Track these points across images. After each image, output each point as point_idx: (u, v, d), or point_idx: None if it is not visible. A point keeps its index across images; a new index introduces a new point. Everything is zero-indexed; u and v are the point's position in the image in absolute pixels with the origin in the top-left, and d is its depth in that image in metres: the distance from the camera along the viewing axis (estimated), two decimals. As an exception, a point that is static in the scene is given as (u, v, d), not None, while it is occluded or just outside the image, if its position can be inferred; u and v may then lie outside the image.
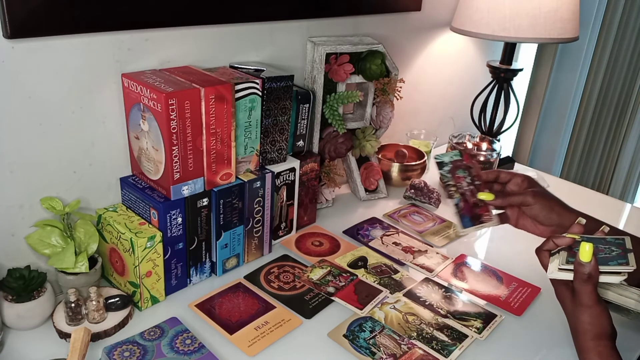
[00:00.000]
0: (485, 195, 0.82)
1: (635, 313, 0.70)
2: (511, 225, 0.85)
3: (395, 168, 1.28)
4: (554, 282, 0.71)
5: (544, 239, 0.75)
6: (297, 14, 1.06)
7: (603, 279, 0.66)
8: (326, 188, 1.18)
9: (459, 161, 0.87)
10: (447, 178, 0.86)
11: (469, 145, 1.32)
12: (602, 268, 0.65)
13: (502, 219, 0.84)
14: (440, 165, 0.88)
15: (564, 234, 0.72)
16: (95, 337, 0.77)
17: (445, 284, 0.95)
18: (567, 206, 0.81)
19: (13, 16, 0.70)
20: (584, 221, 0.74)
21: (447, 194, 0.86)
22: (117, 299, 0.81)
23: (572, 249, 0.70)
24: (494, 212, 0.83)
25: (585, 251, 0.65)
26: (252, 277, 0.94)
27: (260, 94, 0.90)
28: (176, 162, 0.80)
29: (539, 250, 0.74)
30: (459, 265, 1.01)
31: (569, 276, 0.67)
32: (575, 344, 0.69)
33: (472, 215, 0.83)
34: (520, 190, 0.83)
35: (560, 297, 0.71)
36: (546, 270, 0.72)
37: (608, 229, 0.73)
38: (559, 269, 0.68)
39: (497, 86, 1.40)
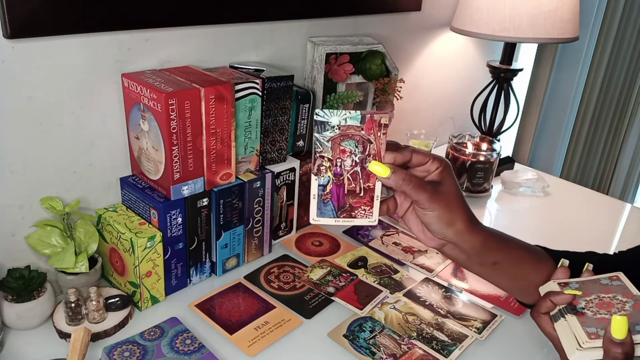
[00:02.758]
0: (378, 167, 0.56)
1: None
2: (397, 216, 0.63)
3: (395, 168, 1.27)
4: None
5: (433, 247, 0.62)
6: (297, 14, 1.06)
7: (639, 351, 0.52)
8: (326, 188, 1.17)
9: (355, 128, 0.56)
10: (323, 147, 0.56)
11: (469, 146, 1.32)
12: (637, 339, 0.52)
13: (388, 207, 0.61)
14: (321, 126, 0.56)
15: (556, 286, 0.59)
16: (95, 337, 0.77)
17: (445, 284, 0.95)
18: (474, 224, 0.61)
19: (13, 16, 0.70)
20: (567, 262, 0.62)
21: (314, 169, 0.57)
22: (117, 299, 0.81)
23: (575, 307, 0.57)
24: (377, 205, 0.58)
25: (619, 326, 0.51)
26: (252, 277, 0.94)
27: (260, 94, 0.90)
28: (176, 162, 0.80)
29: (536, 315, 0.59)
30: (459, 265, 1.01)
31: (597, 355, 0.53)
32: None
33: (341, 206, 0.58)
34: (427, 177, 0.59)
35: None
36: (548, 337, 0.58)
37: (592, 265, 0.60)
38: (581, 347, 0.54)
39: (497, 86, 1.40)
